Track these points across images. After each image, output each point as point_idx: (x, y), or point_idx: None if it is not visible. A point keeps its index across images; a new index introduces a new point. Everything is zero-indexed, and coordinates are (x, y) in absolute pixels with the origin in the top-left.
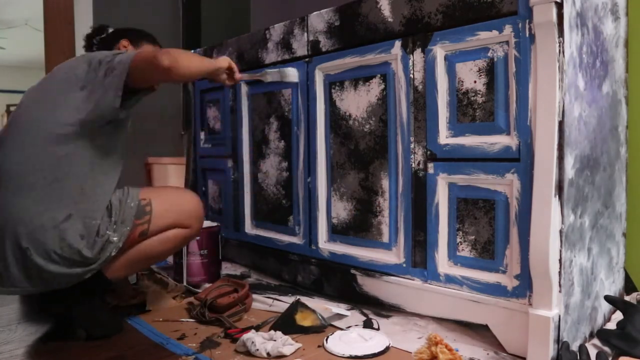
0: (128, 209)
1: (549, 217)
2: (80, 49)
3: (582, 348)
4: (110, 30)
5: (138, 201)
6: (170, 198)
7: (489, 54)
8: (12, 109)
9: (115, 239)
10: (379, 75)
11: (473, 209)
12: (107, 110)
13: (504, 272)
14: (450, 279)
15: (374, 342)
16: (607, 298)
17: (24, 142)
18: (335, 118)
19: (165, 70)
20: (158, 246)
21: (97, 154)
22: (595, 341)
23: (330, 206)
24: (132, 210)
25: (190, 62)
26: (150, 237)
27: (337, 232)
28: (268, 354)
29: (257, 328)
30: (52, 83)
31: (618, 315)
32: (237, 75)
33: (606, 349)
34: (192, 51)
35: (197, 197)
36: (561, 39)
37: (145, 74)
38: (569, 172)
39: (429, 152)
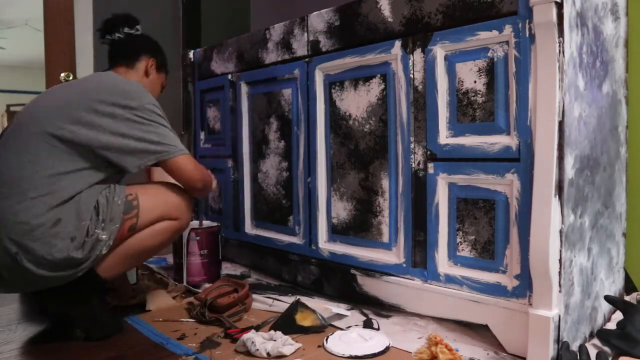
0: (115, 206)
1: (549, 217)
2: (80, 49)
3: (582, 348)
4: (138, 29)
5: (125, 197)
6: (157, 191)
7: (489, 54)
8: (12, 108)
9: (104, 237)
10: (379, 75)
11: (473, 209)
12: (121, 166)
13: (504, 272)
14: (450, 279)
15: (374, 342)
16: (607, 298)
17: (25, 148)
18: (335, 118)
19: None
20: (149, 240)
21: (92, 169)
22: (595, 341)
23: (330, 206)
24: (119, 207)
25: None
26: (140, 232)
27: (337, 232)
28: (268, 354)
29: (257, 328)
30: (73, 97)
31: (618, 315)
32: None
33: (606, 349)
34: (192, 51)
35: (184, 190)
36: (561, 39)
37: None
38: (569, 172)
39: (429, 152)
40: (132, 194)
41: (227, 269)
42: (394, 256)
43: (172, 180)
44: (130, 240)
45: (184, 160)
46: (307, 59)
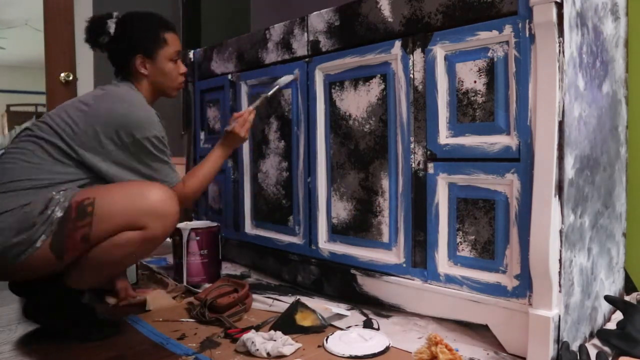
0: (54, 214)
1: (549, 217)
2: (80, 49)
3: (582, 348)
4: (114, 20)
5: (68, 205)
6: (122, 194)
7: (489, 54)
8: (12, 108)
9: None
10: (379, 75)
11: (473, 209)
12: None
13: (504, 272)
14: (450, 279)
15: (374, 342)
16: (607, 298)
17: (35, 154)
18: (335, 118)
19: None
20: (114, 251)
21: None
22: (595, 341)
23: (330, 206)
24: (54, 214)
25: (201, 191)
26: (102, 243)
27: (337, 232)
28: (268, 354)
29: (257, 328)
30: (86, 119)
31: (618, 315)
32: (247, 115)
33: (606, 349)
34: (192, 51)
35: (161, 192)
36: (561, 39)
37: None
38: (569, 172)
39: (429, 152)
40: (90, 198)
41: (227, 269)
42: (394, 256)
43: None
44: (94, 250)
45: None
46: (307, 59)
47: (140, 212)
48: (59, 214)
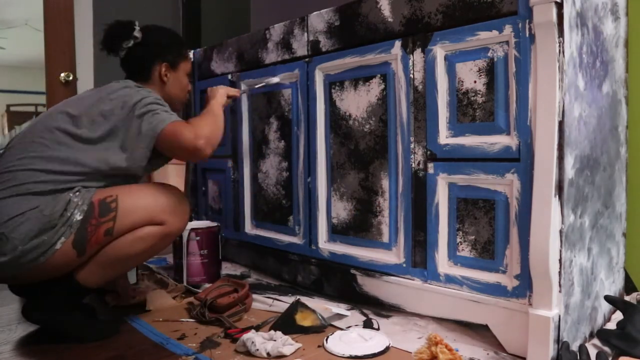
0: (74, 215)
1: (549, 217)
2: (80, 49)
3: (582, 348)
4: (137, 29)
5: (88, 206)
6: (142, 193)
7: (489, 54)
8: (12, 108)
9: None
10: (379, 75)
11: (473, 209)
12: (133, 168)
13: (504, 272)
14: (450, 279)
15: (374, 342)
16: (607, 298)
17: (46, 143)
18: (335, 118)
19: (193, 152)
20: (129, 247)
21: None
22: (595, 341)
23: (330, 206)
24: (75, 215)
25: (216, 133)
26: (120, 238)
27: (337, 232)
28: (268, 354)
29: (257, 328)
30: (85, 108)
31: (618, 315)
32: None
33: (606, 349)
34: (192, 51)
35: (177, 191)
36: (561, 39)
37: (172, 152)
38: (569, 172)
39: (429, 152)
40: (112, 196)
41: (227, 269)
42: (394, 256)
43: (172, 182)
44: (109, 247)
45: (172, 126)
46: (307, 59)
47: (160, 209)
48: (78, 216)
